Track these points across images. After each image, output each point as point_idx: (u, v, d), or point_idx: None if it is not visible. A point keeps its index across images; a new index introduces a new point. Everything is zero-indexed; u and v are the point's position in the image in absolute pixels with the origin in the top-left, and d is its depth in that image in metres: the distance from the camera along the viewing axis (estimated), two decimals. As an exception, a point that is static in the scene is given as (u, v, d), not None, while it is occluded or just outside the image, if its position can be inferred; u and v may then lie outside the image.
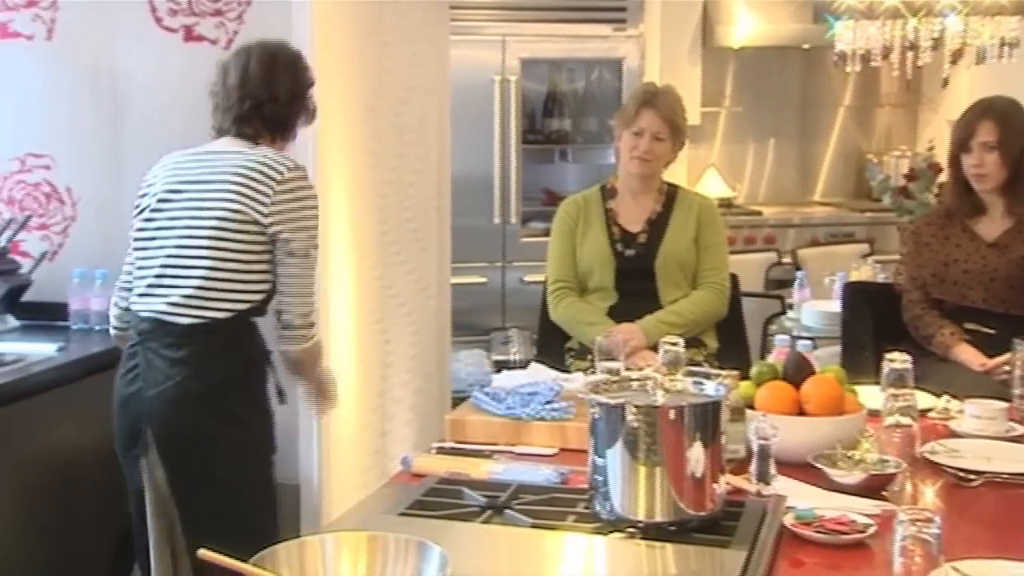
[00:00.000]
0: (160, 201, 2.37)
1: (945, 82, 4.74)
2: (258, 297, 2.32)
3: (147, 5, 3.14)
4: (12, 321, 3.11)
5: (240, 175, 2.30)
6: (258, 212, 2.26)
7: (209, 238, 2.28)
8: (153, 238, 2.36)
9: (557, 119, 5.53)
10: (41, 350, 2.85)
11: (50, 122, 3.23)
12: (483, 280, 5.18)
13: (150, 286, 2.34)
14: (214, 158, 2.38)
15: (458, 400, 2.60)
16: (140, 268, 2.38)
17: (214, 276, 2.27)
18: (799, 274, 4.44)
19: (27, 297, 3.19)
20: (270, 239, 2.29)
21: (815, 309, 4.11)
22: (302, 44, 2.87)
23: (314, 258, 2.33)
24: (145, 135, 3.09)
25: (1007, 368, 2.65)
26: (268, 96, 2.40)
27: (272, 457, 2.46)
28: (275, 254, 2.30)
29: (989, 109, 3.03)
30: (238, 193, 2.28)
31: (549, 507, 1.76)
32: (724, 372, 2.19)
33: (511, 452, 2.14)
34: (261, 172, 2.29)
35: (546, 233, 3.51)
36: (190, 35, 3.13)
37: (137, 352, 2.34)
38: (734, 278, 3.23)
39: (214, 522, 2.24)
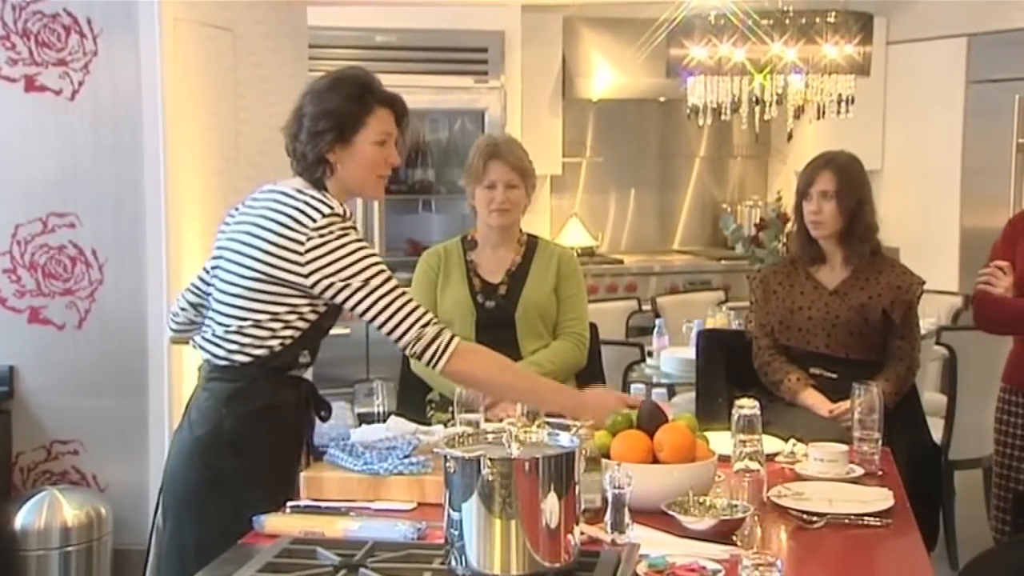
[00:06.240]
0: None
1: (790, 135, 4.97)
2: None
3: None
4: None
5: None
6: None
7: None
8: None
9: (420, 169, 5.56)
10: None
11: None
12: (346, 331, 5.12)
13: None
14: None
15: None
16: None
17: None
18: (658, 322, 4.55)
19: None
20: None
21: (673, 356, 4.22)
22: (152, 98, 2.83)
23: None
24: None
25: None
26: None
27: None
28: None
29: (831, 161, 3.20)
30: None
31: (405, 564, 1.74)
32: (580, 422, 2.23)
33: (368, 508, 2.11)
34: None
35: (409, 284, 3.50)
36: (32, 85, 3.03)
37: None
38: (593, 328, 3.29)
39: None
